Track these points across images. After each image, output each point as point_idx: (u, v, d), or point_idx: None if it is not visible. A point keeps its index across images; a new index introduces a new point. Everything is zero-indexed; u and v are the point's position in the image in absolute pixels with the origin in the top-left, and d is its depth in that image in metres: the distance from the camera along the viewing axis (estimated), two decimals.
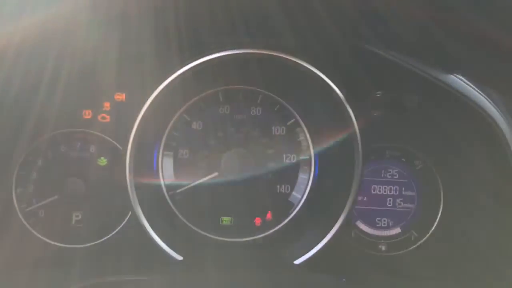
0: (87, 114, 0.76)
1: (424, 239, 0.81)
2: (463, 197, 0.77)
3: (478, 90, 0.65)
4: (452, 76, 0.64)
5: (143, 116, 0.68)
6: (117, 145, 0.75)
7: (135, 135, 0.68)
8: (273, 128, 0.80)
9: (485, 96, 0.65)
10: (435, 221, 0.81)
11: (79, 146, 0.76)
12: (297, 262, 0.71)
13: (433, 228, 0.81)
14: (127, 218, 0.76)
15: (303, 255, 0.72)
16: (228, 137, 0.79)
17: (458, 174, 0.77)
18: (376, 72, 0.67)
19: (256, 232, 0.80)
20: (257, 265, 0.70)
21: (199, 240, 0.78)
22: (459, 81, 0.65)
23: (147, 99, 0.69)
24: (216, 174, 0.78)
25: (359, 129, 0.71)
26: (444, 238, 0.79)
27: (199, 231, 0.78)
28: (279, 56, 0.66)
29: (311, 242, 0.74)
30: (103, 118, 0.76)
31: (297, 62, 0.66)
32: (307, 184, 0.80)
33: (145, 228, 0.68)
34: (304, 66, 0.66)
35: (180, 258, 0.69)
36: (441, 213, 0.80)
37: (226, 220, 0.80)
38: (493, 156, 0.68)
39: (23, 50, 0.43)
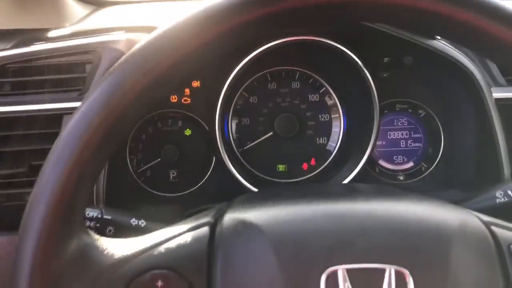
0: (174, 98, 1.03)
1: (432, 168, 1.06)
2: (458, 132, 1.03)
3: (456, 50, 0.91)
4: (435, 41, 0.91)
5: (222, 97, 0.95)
6: (198, 119, 1.03)
7: (219, 111, 0.95)
8: (309, 96, 1.06)
9: (462, 53, 0.91)
10: (439, 153, 1.06)
11: (170, 122, 1.04)
12: None
13: (438, 159, 1.06)
14: (210, 170, 1.03)
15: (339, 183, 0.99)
16: (276, 106, 1.05)
17: (451, 115, 1.02)
18: (381, 44, 0.93)
19: (304, 174, 1.07)
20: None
21: (263, 183, 1.05)
22: (441, 44, 0.91)
23: (224, 85, 0.94)
24: (271, 133, 1.05)
25: (375, 89, 0.97)
26: (447, 164, 1.05)
27: (263, 176, 1.06)
28: (315, 40, 0.92)
29: (345, 176, 1.00)
30: (185, 100, 1.04)
31: (328, 43, 0.92)
32: (339, 135, 1.07)
33: (230, 169, 0.95)
34: (334, 45, 0.92)
35: (255, 190, 0.96)
36: (443, 147, 1.06)
37: (281, 167, 1.07)
38: (472, 98, 0.93)
39: None
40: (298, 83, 1.06)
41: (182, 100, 1.03)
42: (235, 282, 0.48)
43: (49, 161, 0.45)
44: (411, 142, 1.07)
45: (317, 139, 1.07)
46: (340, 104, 1.06)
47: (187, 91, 1.03)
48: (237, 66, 0.94)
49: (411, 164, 1.07)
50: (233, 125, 1.05)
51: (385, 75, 0.97)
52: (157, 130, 1.03)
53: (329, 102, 1.06)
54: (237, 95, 1.05)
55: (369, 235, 0.49)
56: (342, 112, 1.06)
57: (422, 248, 0.49)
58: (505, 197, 0.67)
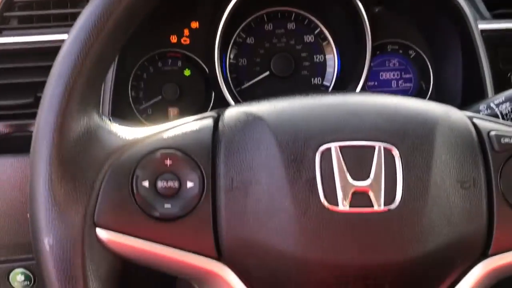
0: (173, 38, 1.07)
1: None
2: (446, 68, 1.07)
3: None
4: None
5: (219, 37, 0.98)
6: (197, 59, 1.07)
7: (217, 50, 0.98)
8: (304, 37, 1.10)
9: None
10: (429, 90, 1.11)
11: (170, 62, 1.07)
12: None
13: (428, 95, 1.11)
14: (210, 107, 1.07)
15: None
16: (272, 46, 1.09)
17: (439, 50, 1.07)
18: None
19: None
20: None
21: None
22: None
23: (219, 25, 0.98)
24: (267, 73, 1.09)
25: (368, 24, 1.01)
26: (436, 100, 1.09)
27: None
28: None
29: None
30: (185, 41, 1.07)
31: None
32: (333, 75, 1.11)
33: (231, 103, 0.99)
34: None
35: None
36: (432, 84, 1.11)
37: None
38: (460, 30, 0.98)
39: None
40: (294, 24, 1.10)
41: (182, 41, 1.07)
42: (238, 162, 0.53)
43: (69, 38, 0.49)
44: (402, 82, 1.12)
45: (312, 79, 1.11)
46: (334, 44, 1.10)
47: (186, 31, 1.07)
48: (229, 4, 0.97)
49: None
50: (231, 65, 1.09)
51: (377, 10, 1.01)
52: (158, 69, 1.07)
53: (324, 43, 1.10)
54: (234, 35, 1.08)
55: (360, 117, 0.54)
56: (336, 52, 1.10)
57: (409, 129, 0.54)
58: (488, 109, 0.71)
